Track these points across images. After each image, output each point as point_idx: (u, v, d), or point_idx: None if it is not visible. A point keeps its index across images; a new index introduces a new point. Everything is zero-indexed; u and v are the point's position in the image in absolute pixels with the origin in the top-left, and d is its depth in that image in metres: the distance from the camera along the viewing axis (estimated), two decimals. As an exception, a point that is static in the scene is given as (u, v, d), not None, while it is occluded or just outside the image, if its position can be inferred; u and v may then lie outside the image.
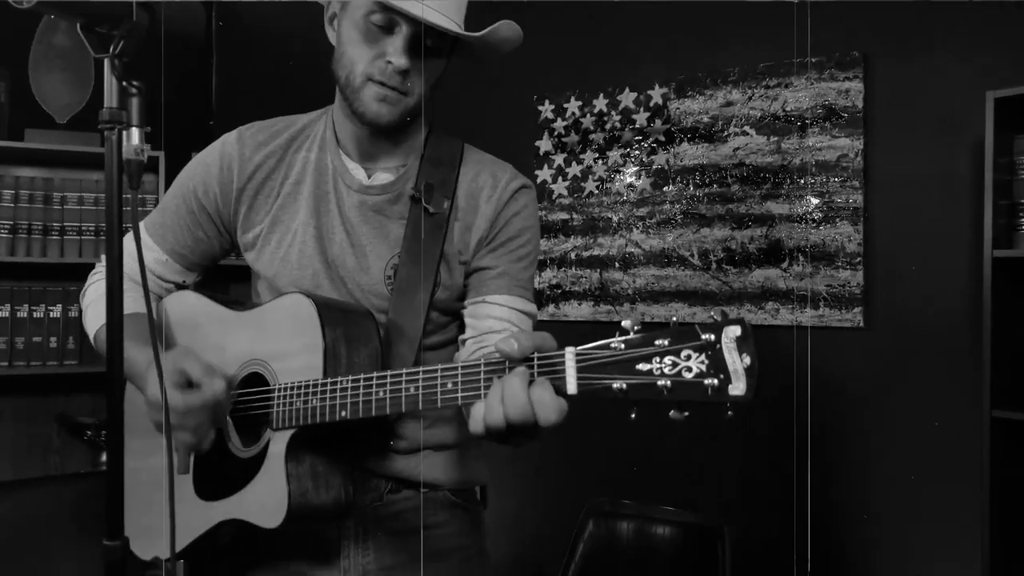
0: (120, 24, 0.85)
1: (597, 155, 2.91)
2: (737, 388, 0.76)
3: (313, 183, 1.26)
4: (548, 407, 0.85)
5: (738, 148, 2.64)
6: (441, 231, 1.23)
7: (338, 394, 1.06)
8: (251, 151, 1.28)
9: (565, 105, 2.98)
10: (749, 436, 2.52)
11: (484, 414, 0.90)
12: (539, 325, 1.22)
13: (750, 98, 2.62)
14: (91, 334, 1.32)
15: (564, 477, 2.92)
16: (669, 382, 0.79)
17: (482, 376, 0.94)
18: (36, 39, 2.79)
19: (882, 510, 2.38)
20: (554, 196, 2.99)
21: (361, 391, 1.04)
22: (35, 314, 2.82)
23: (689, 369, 0.78)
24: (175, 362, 1.12)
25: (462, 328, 1.30)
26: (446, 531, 1.29)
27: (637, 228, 2.81)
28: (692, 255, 2.71)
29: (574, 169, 2.95)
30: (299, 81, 2.45)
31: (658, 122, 2.79)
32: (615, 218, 2.86)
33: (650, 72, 2.80)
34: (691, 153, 2.73)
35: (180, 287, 1.36)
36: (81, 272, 2.86)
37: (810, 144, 2.51)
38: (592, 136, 2.92)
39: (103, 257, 1.37)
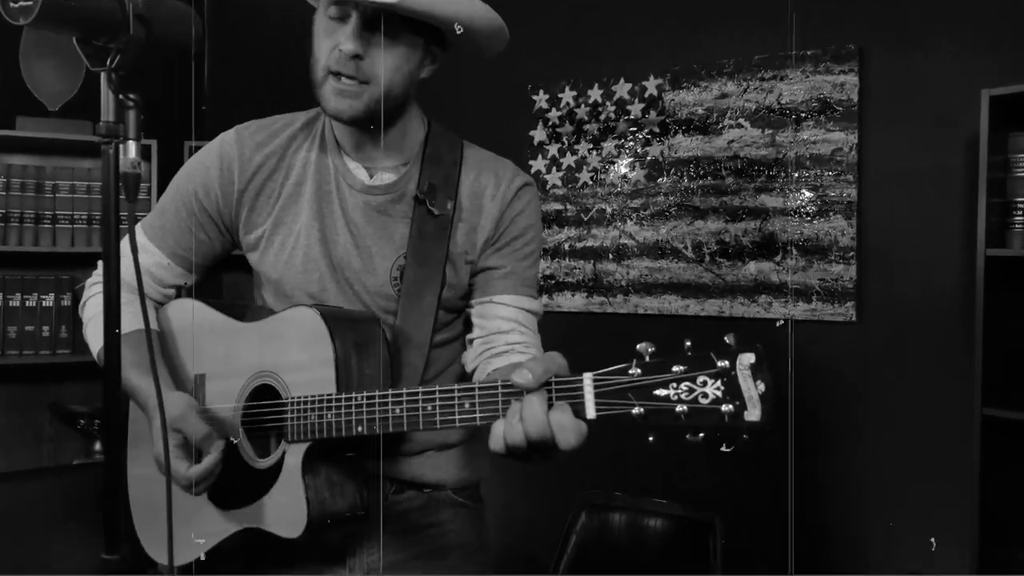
0: (117, 37, 0.84)
1: (591, 146, 2.90)
2: (753, 415, 0.79)
3: (315, 184, 1.25)
4: (568, 431, 0.87)
5: (732, 140, 2.64)
6: (445, 232, 1.23)
7: (353, 410, 1.07)
8: (251, 151, 1.27)
9: (560, 95, 2.97)
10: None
11: (504, 432, 0.91)
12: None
13: (745, 90, 2.61)
14: (94, 351, 1.29)
15: (557, 469, 2.93)
16: (686, 407, 0.81)
17: (500, 397, 0.95)
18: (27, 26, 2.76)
19: (871, 502, 2.41)
20: (548, 186, 2.99)
21: (377, 408, 1.05)
22: (27, 303, 2.81)
23: (705, 395, 0.80)
24: (174, 424, 1.12)
25: (467, 324, 1.31)
26: (448, 529, 1.31)
27: (631, 219, 2.82)
28: (686, 247, 2.71)
29: (568, 159, 2.95)
30: (293, 62, 2.43)
31: (653, 113, 2.78)
32: (609, 209, 2.86)
33: (645, 63, 2.79)
34: (685, 145, 2.72)
35: (180, 290, 1.35)
36: (73, 260, 2.88)
37: (804, 137, 2.51)
38: (587, 127, 2.92)
39: (99, 265, 1.37)
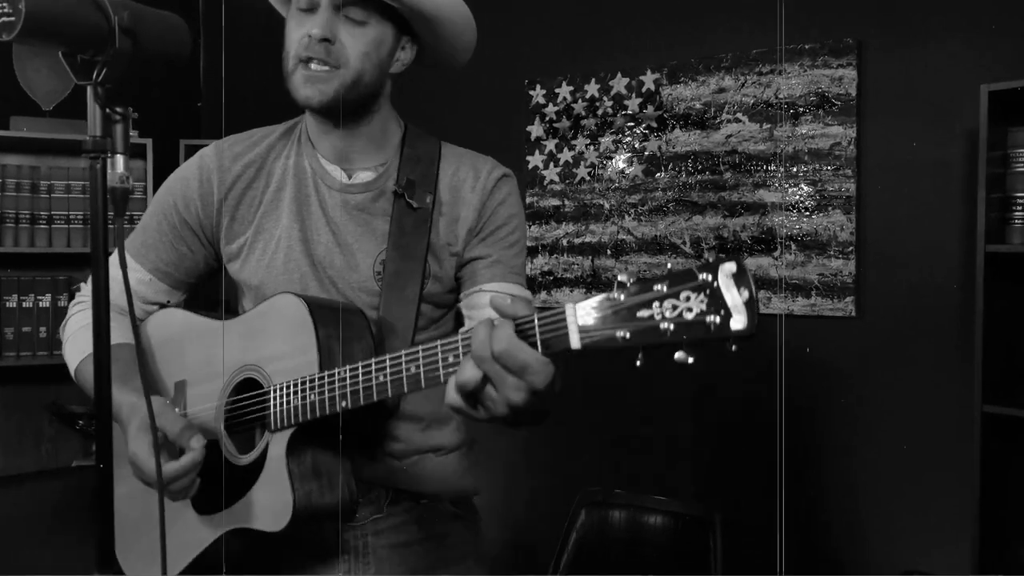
0: (103, 51, 0.83)
1: (589, 141, 2.89)
2: (739, 322, 0.76)
3: (294, 187, 1.26)
4: (538, 365, 0.84)
5: (730, 135, 2.62)
6: (426, 225, 1.23)
7: (336, 385, 1.05)
8: (229, 162, 1.27)
9: (556, 90, 2.95)
10: (742, 425, 2.54)
11: (472, 350, 0.87)
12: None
13: (743, 85, 2.60)
14: (72, 367, 1.29)
15: (558, 466, 2.94)
16: (671, 325, 0.78)
17: None
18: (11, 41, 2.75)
19: (871, 499, 2.41)
20: (545, 182, 2.97)
21: (360, 378, 1.03)
22: (24, 304, 2.81)
23: (690, 310, 0.78)
24: (148, 422, 1.09)
25: (457, 322, 1.30)
26: (446, 543, 1.30)
27: (629, 215, 2.81)
28: (684, 243, 2.70)
29: (565, 155, 2.93)
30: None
31: (650, 108, 2.77)
32: (607, 205, 2.85)
33: (642, 57, 2.77)
34: (683, 140, 2.71)
35: (163, 307, 1.34)
36: (70, 261, 2.87)
37: (803, 132, 2.49)
38: (584, 122, 2.90)
39: (82, 286, 1.37)
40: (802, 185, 2.50)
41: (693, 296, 0.78)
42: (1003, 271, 2.02)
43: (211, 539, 1.17)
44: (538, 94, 2.98)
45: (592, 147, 2.88)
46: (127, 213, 0.89)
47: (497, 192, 1.27)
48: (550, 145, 2.96)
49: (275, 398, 1.11)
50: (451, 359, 0.94)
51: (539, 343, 0.86)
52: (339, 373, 1.05)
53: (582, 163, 2.90)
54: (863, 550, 2.42)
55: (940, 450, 2.28)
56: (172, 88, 2.62)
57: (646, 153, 2.78)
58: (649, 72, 2.76)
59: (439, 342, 0.95)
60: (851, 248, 2.41)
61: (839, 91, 2.43)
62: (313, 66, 1.15)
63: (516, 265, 1.28)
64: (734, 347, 0.78)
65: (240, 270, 1.27)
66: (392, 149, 1.29)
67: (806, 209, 2.49)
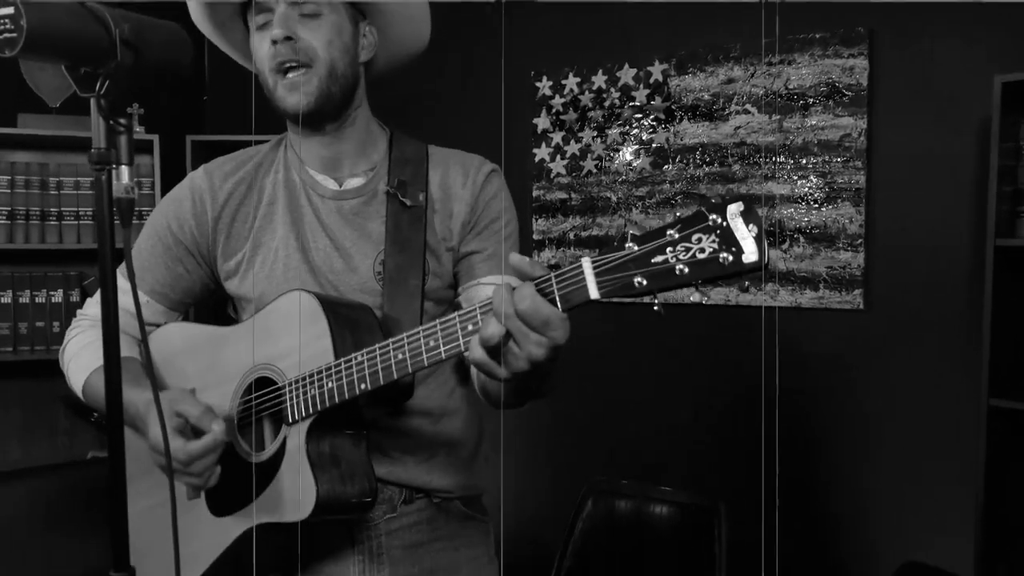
0: (104, 64, 0.83)
1: (596, 133, 2.88)
2: (751, 257, 0.78)
3: (286, 199, 1.28)
4: (558, 320, 0.87)
5: (739, 127, 2.61)
6: (421, 222, 1.24)
7: (354, 369, 1.06)
8: (220, 181, 1.29)
9: (563, 81, 2.93)
10: (749, 416, 2.53)
11: (494, 311, 0.89)
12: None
13: (752, 75, 2.58)
14: (78, 388, 1.29)
15: (566, 455, 2.95)
16: (686, 267, 0.80)
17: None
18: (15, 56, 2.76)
19: (875, 490, 2.41)
20: (552, 175, 2.96)
21: (379, 359, 1.03)
22: (37, 299, 2.83)
23: (703, 250, 0.80)
24: (172, 406, 1.11)
25: None
26: (457, 543, 1.31)
27: (636, 208, 2.80)
28: (692, 235, 2.69)
29: (572, 147, 2.92)
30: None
31: (658, 99, 2.75)
32: (614, 198, 2.84)
33: (650, 48, 2.75)
34: (691, 131, 2.69)
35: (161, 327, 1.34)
36: (80, 256, 2.89)
37: (813, 123, 2.47)
38: (591, 113, 2.89)
39: (79, 312, 1.37)
40: (811, 177, 2.48)
41: (704, 237, 0.80)
42: (1013, 264, 2.01)
43: (230, 540, 1.17)
44: (545, 85, 2.97)
45: (599, 139, 2.87)
46: (136, 208, 0.90)
47: (488, 187, 1.29)
48: (557, 137, 2.95)
49: (291, 391, 1.12)
50: (470, 327, 0.95)
51: (558, 299, 0.88)
52: (355, 358, 1.06)
53: (589, 155, 2.89)
54: (865, 540, 2.43)
55: (945, 443, 2.28)
56: (178, 84, 2.63)
57: (654, 145, 2.76)
58: (657, 63, 2.74)
59: (456, 314, 0.96)
60: (860, 241, 2.40)
61: (850, 81, 2.41)
62: (290, 75, 1.18)
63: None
64: (747, 283, 0.82)
65: (239, 286, 1.28)
66: (379, 154, 1.31)
67: (815, 201, 2.48)
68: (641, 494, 2.43)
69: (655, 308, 0.84)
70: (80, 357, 1.30)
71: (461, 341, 0.95)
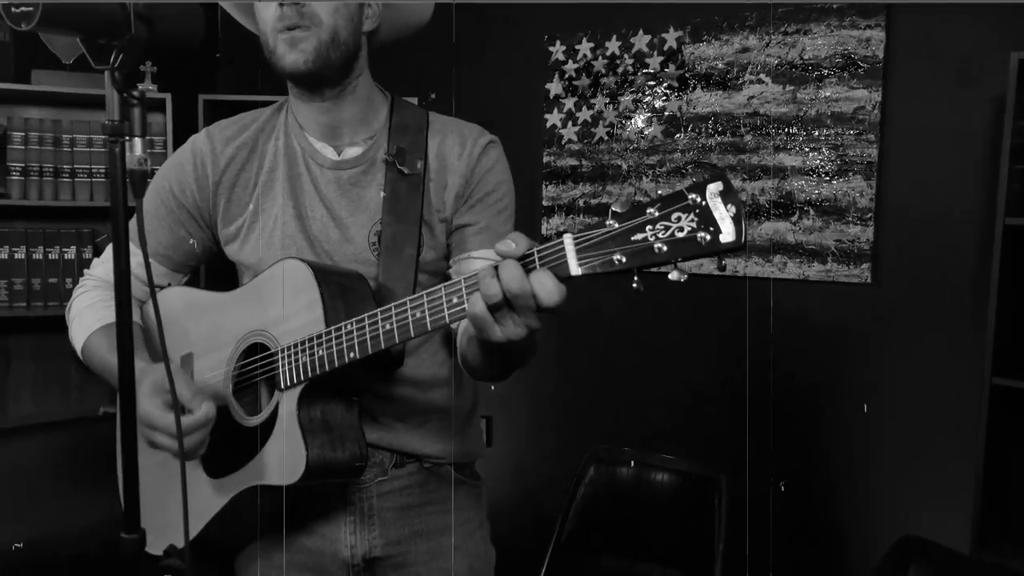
0: (119, 37, 0.84)
1: (608, 100, 2.86)
2: (728, 236, 0.79)
3: (286, 167, 1.29)
4: (550, 287, 0.87)
5: (753, 96, 2.59)
6: (418, 191, 1.25)
7: (344, 338, 1.08)
8: (221, 145, 1.30)
9: (577, 47, 2.91)
10: (757, 387, 2.56)
11: (481, 290, 0.90)
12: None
13: (767, 44, 2.55)
14: (78, 347, 1.31)
15: (569, 422, 2.98)
16: (664, 245, 0.81)
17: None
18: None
19: (876, 464, 2.43)
20: (563, 141, 2.95)
21: (367, 329, 1.05)
22: (50, 256, 2.86)
23: (681, 229, 0.81)
24: (159, 385, 1.13)
25: None
26: (448, 507, 1.34)
27: (647, 176, 2.79)
28: (702, 205, 2.69)
29: (584, 114, 2.91)
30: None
31: (672, 67, 2.73)
32: (625, 165, 2.83)
33: (665, 14, 2.72)
34: (704, 100, 2.68)
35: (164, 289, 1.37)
36: (93, 214, 2.91)
37: (827, 95, 2.46)
38: (603, 80, 2.87)
39: (85, 272, 1.39)
40: (823, 149, 2.47)
41: (684, 216, 0.81)
42: (1022, 243, 2.00)
43: (224, 501, 1.21)
44: (558, 50, 2.95)
45: (611, 106, 2.85)
46: (150, 167, 0.91)
47: (484, 158, 1.28)
48: (569, 103, 2.94)
49: (283, 358, 1.15)
50: (455, 300, 0.97)
51: None
52: (346, 327, 1.08)
53: (601, 122, 2.88)
54: (864, 514, 2.46)
55: (947, 419, 2.30)
56: (192, 55, 2.63)
57: (666, 113, 2.75)
58: (672, 30, 2.72)
59: (443, 286, 0.98)
60: (870, 215, 2.40)
61: (866, 53, 2.38)
62: (292, 32, 1.18)
63: (505, 232, 1.27)
64: (724, 263, 0.83)
65: (239, 251, 1.30)
66: (379, 122, 1.30)
67: (826, 174, 2.47)
68: (642, 462, 2.46)
69: (634, 286, 0.84)
70: (83, 316, 1.32)
71: (446, 313, 0.97)
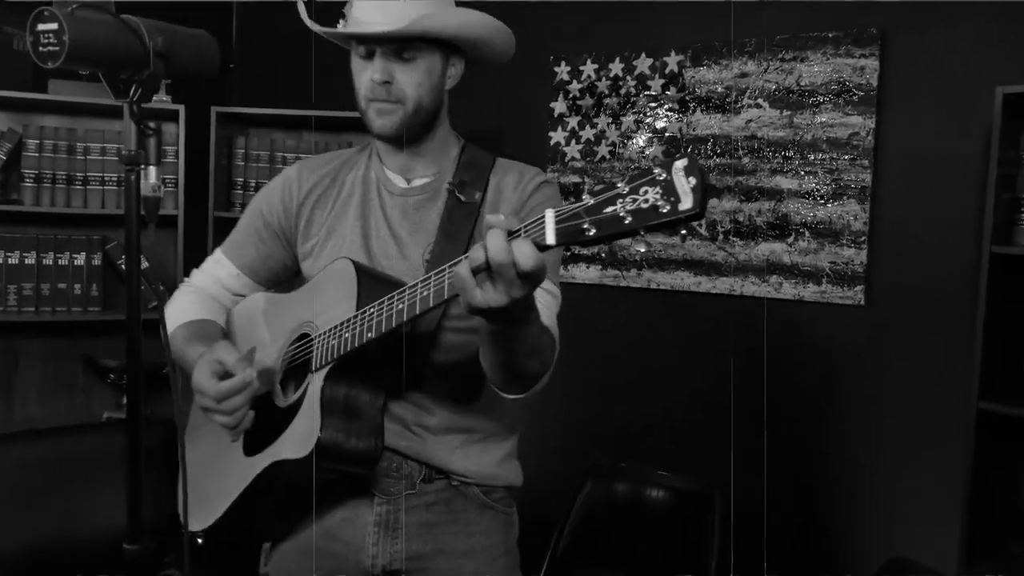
0: (139, 72, 0.90)
1: (611, 119, 2.92)
2: (686, 204, 0.84)
3: (361, 193, 1.41)
4: (527, 253, 0.95)
5: (750, 120, 2.64)
6: (472, 216, 1.34)
7: (364, 320, 1.17)
8: (308, 173, 1.46)
9: (581, 67, 2.97)
10: (750, 405, 2.60)
11: (469, 256, 0.98)
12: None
13: (765, 70, 2.61)
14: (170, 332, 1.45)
15: (565, 438, 3.02)
16: (630, 216, 0.87)
17: None
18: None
19: (866, 486, 2.47)
20: (567, 159, 3.01)
21: (385, 309, 1.14)
22: (60, 261, 2.92)
23: (647, 201, 0.87)
24: (213, 353, 1.25)
25: None
26: (474, 530, 1.37)
27: (647, 196, 2.84)
28: (700, 225, 2.74)
29: (587, 133, 2.97)
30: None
31: (673, 90, 2.79)
32: (626, 184, 2.88)
33: (667, 38, 2.78)
34: (704, 123, 2.73)
35: None
36: (104, 221, 2.97)
37: (822, 120, 2.51)
38: (607, 100, 2.93)
39: (185, 279, 1.56)
40: (819, 173, 2.52)
41: (651, 190, 0.87)
42: (1010, 269, 2.04)
43: (251, 478, 1.28)
44: (563, 71, 3.01)
45: (614, 126, 2.91)
46: (163, 192, 0.98)
47: (537, 194, 1.37)
48: (572, 122, 3.00)
49: (318, 342, 1.25)
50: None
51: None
52: (367, 310, 1.17)
53: (603, 141, 2.94)
54: (853, 535, 2.50)
55: (936, 441, 2.33)
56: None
57: (667, 134, 2.80)
58: (673, 53, 2.78)
59: (447, 265, 1.05)
60: (864, 238, 2.45)
61: (860, 81, 2.43)
62: (381, 105, 1.32)
63: (550, 263, 1.34)
64: (683, 231, 0.88)
65: (312, 267, 1.42)
66: (450, 160, 1.42)
67: (821, 197, 2.52)
68: (638, 478, 2.50)
69: (601, 254, 0.90)
70: (172, 313, 1.46)
71: (444, 287, 1.05)
